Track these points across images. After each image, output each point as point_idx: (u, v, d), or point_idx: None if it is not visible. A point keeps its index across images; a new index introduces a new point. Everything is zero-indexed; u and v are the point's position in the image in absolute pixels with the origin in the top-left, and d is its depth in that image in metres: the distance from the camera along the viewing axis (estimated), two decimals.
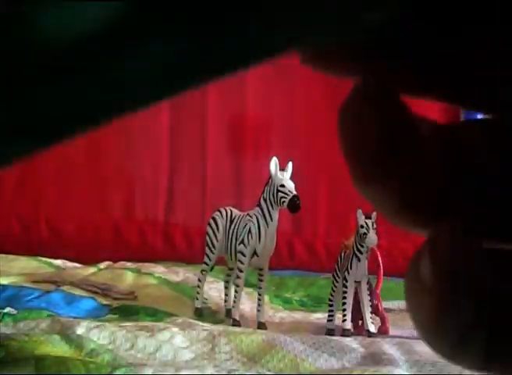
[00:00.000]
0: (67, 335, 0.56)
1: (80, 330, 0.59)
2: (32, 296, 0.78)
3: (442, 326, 0.11)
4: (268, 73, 1.32)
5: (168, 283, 0.96)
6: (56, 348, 0.52)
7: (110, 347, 0.57)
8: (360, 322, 0.76)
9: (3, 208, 1.27)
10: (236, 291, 0.76)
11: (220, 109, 1.35)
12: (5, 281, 0.82)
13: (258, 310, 0.76)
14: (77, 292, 0.84)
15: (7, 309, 0.72)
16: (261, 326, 0.75)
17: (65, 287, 0.84)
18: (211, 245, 0.80)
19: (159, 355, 0.57)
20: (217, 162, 1.36)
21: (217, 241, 0.79)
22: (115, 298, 0.85)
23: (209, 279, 0.86)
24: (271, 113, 1.42)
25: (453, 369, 0.54)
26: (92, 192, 1.29)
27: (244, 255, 0.75)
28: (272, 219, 0.74)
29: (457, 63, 0.12)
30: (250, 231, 0.75)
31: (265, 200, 0.74)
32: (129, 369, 0.47)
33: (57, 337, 0.55)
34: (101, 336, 0.59)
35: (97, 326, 0.60)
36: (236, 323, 0.75)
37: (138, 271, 1.02)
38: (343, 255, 0.75)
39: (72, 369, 0.45)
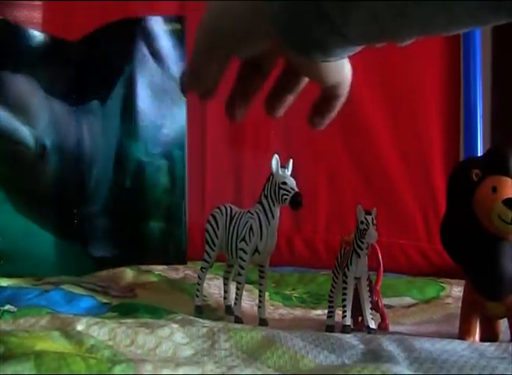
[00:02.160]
0: (67, 331, 0.56)
1: (79, 327, 0.59)
2: (32, 294, 0.78)
3: None
4: None
5: (167, 281, 0.96)
6: (56, 343, 0.52)
7: (110, 343, 0.57)
8: (360, 318, 0.76)
9: None
10: (237, 288, 0.76)
11: (220, 106, 1.35)
12: (4, 283, 0.82)
13: (259, 307, 0.76)
14: (77, 290, 0.84)
15: (7, 306, 0.72)
16: (263, 322, 0.75)
17: (64, 286, 0.84)
18: (210, 243, 0.80)
19: (159, 352, 0.57)
20: (216, 160, 1.35)
21: (217, 238, 0.79)
22: (115, 296, 0.85)
23: (208, 276, 0.86)
24: None
25: (452, 367, 0.54)
26: None
27: (246, 253, 0.75)
28: (273, 217, 0.74)
29: None
30: (251, 228, 0.75)
31: (266, 197, 0.74)
32: (129, 364, 0.47)
33: (57, 334, 0.55)
34: (101, 332, 0.59)
35: (97, 323, 0.60)
36: (238, 320, 0.75)
37: (138, 269, 1.02)
38: (342, 251, 0.75)
39: (72, 365, 0.45)
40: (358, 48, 0.53)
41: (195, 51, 0.57)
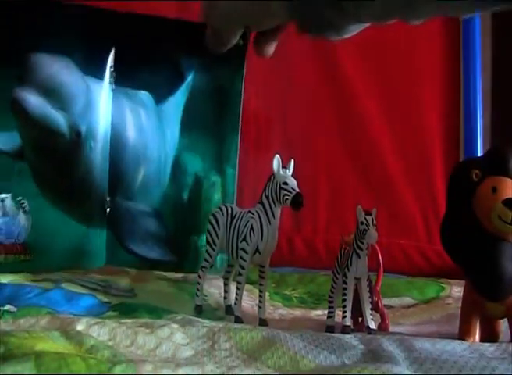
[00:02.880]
0: (67, 331, 0.56)
1: (79, 327, 0.59)
2: (32, 294, 0.78)
3: None
4: (269, 70, 1.32)
5: (168, 280, 0.96)
6: (56, 344, 0.52)
7: (110, 343, 0.57)
8: (359, 319, 0.76)
9: None
10: (237, 288, 0.76)
11: None
12: (4, 280, 0.82)
13: (260, 307, 0.76)
14: (77, 289, 0.84)
15: (7, 307, 0.72)
16: (263, 322, 0.75)
17: (64, 285, 0.84)
18: (211, 242, 0.80)
19: (159, 352, 0.57)
20: None
21: (217, 238, 0.79)
22: (115, 295, 0.85)
23: (208, 276, 0.86)
24: (270, 111, 1.42)
25: (452, 367, 0.54)
26: None
27: (246, 253, 0.75)
28: (274, 217, 0.74)
29: None
30: (252, 228, 0.75)
31: (267, 197, 0.74)
32: (129, 365, 0.47)
33: (57, 334, 0.55)
34: (101, 332, 0.59)
35: (97, 323, 0.60)
36: (238, 320, 0.75)
37: (138, 268, 1.02)
38: (342, 251, 0.75)
39: (72, 365, 0.45)
40: (369, 24, 0.57)
41: (215, 21, 0.76)
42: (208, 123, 0.91)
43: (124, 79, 0.89)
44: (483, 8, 0.49)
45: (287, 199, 0.72)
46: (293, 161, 0.74)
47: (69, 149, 0.87)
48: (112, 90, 0.89)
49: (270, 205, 0.74)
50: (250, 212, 0.76)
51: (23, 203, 0.87)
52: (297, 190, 0.72)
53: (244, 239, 0.75)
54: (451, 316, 0.85)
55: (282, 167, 0.73)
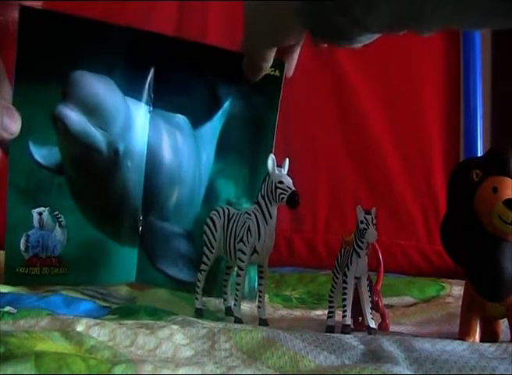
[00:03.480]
0: (67, 332, 0.56)
1: (79, 328, 0.59)
2: (32, 299, 0.78)
3: None
4: None
5: (168, 287, 0.96)
6: (56, 344, 0.52)
7: (110, 344, 0.57)
8: (359, 318, 0.76)
9: (2, 216, 1.27)
10: (237, 290, 0.76)
11: None
12: (4, 290, 0.82)
13: (259, 307, 0.76)
14: (76, 295, 0.84)
15: (7, 308, 0.72)
16: (263, 322, 0.75)
17: (64, 291, 0.84)
18: (209, 245, 0.80)
19: (159, 352, 0.57)
20: None
21: (215, 240, 0.79)
22: (115, 303, 0.85)
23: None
24: None
25: (452, 367, 0.54)
26: None
27: (244, 253, 0.75)
28: (271, 216, 0.74)
29: None
30: (249, 229, 0.75)
31: (263, 197, 0.74)
32: (129, 365, 0.47)
33: (57, 334, 0.55)
34: (101, 333, 0.59)
35: (97, 324, 0.60)
36: (238, 321, 0.75)
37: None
38: (342, 251, 0.75)
39: (72, 365, 0.45)
40: (380, 34, 0.59)
41: (247, 50, 0.81)
42: (243, 150, 0.92)
43: (162, 101, 0.90)
44: (500, 23, 0.49)
45: (283, 198, 0.72)
46: (287, 160, 0.74)
47: (106, 167, 0.88)
48: (150, 111, 0.90)
49: (266, 204, 0.74)
50: (246, 212, 0.76)
51: (59, 217, 0.88)
52: (293, 188, 0.72)
53: (241, 240, 0.75)
54: (451, 314, 0.86)
55: (278, 166, 0.74)
